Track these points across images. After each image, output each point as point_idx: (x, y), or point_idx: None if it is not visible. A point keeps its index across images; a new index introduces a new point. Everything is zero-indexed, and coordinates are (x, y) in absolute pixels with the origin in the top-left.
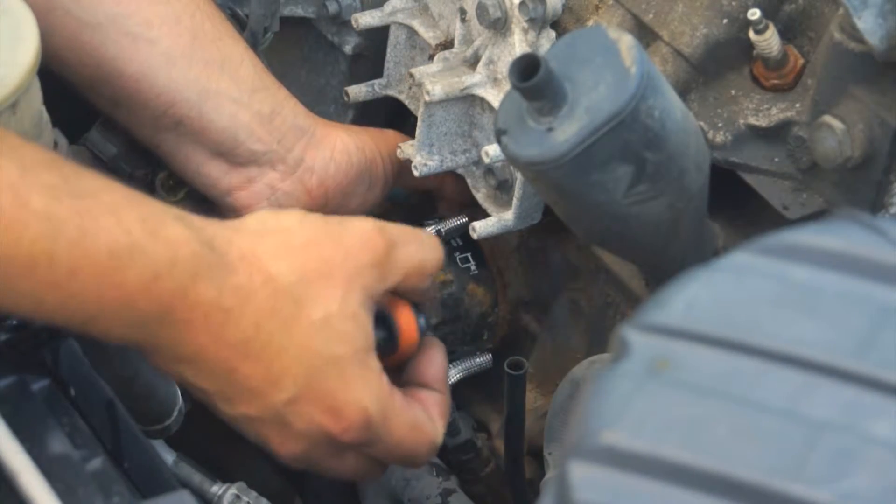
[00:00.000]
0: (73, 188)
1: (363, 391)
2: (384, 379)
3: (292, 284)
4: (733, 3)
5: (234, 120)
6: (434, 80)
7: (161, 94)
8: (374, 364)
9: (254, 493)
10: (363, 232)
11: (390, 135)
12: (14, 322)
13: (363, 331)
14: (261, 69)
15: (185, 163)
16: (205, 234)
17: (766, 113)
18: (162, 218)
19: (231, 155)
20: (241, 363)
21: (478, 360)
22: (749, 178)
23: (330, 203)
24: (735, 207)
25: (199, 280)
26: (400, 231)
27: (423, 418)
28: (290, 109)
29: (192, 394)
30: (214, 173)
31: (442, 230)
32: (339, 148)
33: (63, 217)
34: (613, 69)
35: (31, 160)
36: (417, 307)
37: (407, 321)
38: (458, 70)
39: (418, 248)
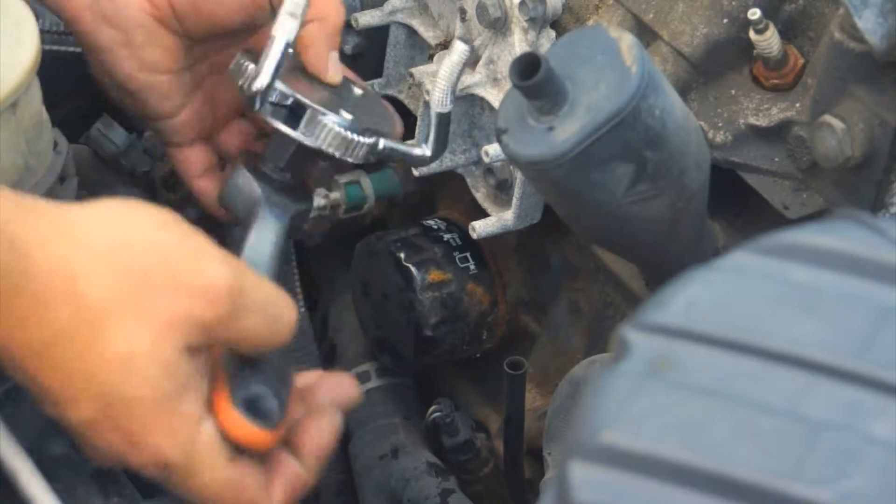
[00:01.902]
0: None
1: (164, 440)
2: (202, 428)
3: (99, 309)
4: (733, 3)
5: None
6: (434, 80)
7: None
8: (190, 410)
9: None
10: (213, 284)
11: None
12: None
13: (175, 377)
14: None
15: None
16: (7, 231)
17: (767, 113)
18: None
19: None
20: (39, 370)
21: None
22: (749, 178)
23: (182, 16)
24: (735, 207)
25: None
26: (257, 297)
27: (248, 484)
28: None
29: None
30: None
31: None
32: None
33: None
34: (614, 68)
35: None
36: (252, 377)
37: (227, 416)
38: None
39: (266, 322)
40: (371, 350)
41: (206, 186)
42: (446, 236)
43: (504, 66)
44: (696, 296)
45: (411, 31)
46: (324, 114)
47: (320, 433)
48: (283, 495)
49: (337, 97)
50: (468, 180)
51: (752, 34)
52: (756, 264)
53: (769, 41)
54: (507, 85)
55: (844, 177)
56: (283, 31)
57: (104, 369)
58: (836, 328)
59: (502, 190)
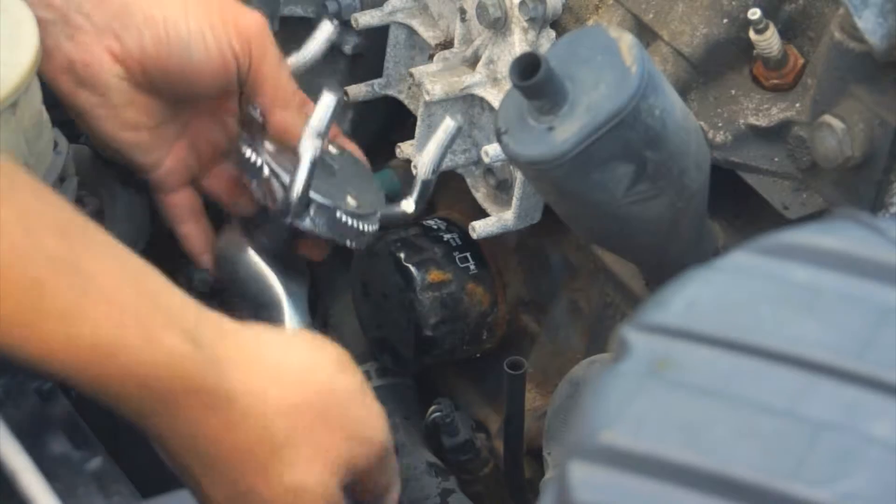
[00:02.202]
0: (74, 260)
1: None
2: None
3: (281, 437)
4: (733, 3)
5: None
6: (434, 80)
7: None
8: None
9: None
10: (375, 440)
11: (249, 21)
12: None
13: None
14: None
15: None
16: (211, 354)
17: (766, 113)
18: (163, 321)
19: None
20: (210, 480)
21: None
22: (749, 178)
23: (155, 82)
24: (735, 207)
25: (190, 396)
26: (390, 462)
27: None
28: None
29: None
30: None
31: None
32: (158, 16)
33: (56, 291)
34: (614, 68)
35: (38, 219)
36: None
37: None
38: (457, 70)
39: (385, 483)
40: (371, 350)
41: (191, 231)
42: (446, 236)
43: (504, 66)
44: (696, 296)
45: (411, 31)
46: (335, 208)
47: None
48: None
49: (327, 171)
50: (468, 180)
51: (752, 34)
52: (756, 264)
53: (769, 41)
54: (507, 85)
55: (844, 177)
56: (310, 150)
57: (277, 494)
58: (836, 328)
59: (502, 190)
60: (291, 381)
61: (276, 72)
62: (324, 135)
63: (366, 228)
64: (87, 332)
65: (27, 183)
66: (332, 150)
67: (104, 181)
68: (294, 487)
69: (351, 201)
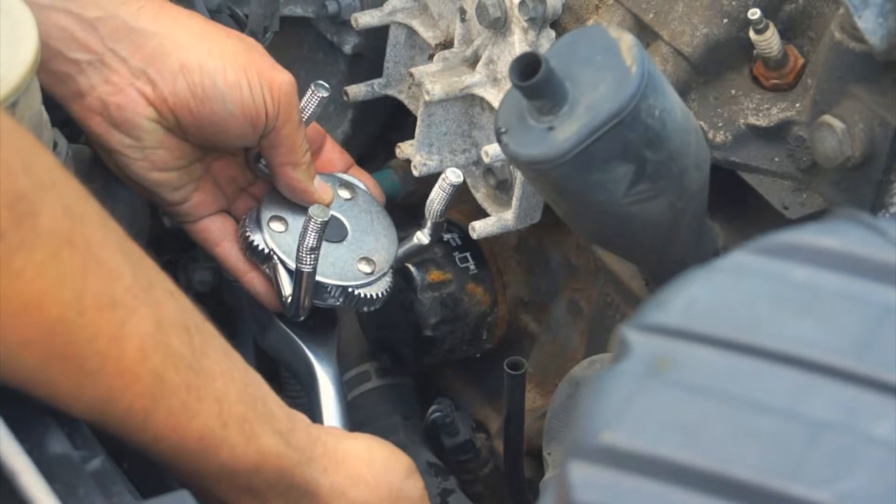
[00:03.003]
0: (195, 361)
1: None
2: None
3: None
4: (733, 3)
5: (44, 27)
6: (434, 80)
7: None
8: None
9: None
10: None
11: (283, 80)
12: None
13: None
14: None
15: None
16: (301, 455)
17: (767, 113)
18: (263, 426)
19: (48, 65)
20: None
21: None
22: (749, 178)
23: (186, 128)
24: (735, 207)
25: (279, 490)
26: None
27: None
28: (128, 12)
29: None
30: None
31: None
32: (195, 64)
33: (174, 386)
34: (614, 68)
35: (170, 317)
36: None
37: None
38: (457, 70)
39: None
40: (371, 350)
41: (227, 251)
42: (446, 236)
43: (504, 66)
44: (695, 296)
45: (411, 31)
46: (353, 288)
47: None
48: None
49: (339, 232)
50: (468, 180)
51: (752, 34)
52: (756, 264)
53: (769, 41)
54: (507, 85)
55: (844, 177)
56: (307, 266)
57: None
58: (836, 328)
59: (502, 190)
60: (368, 483)
61: (295, 134)
62: (319, 249)
63: (379, 294)
64: (196, 427)
65: (163, 282)
66: (344, 193)
67: (104, 181)
68: None
69: (364, 268)
